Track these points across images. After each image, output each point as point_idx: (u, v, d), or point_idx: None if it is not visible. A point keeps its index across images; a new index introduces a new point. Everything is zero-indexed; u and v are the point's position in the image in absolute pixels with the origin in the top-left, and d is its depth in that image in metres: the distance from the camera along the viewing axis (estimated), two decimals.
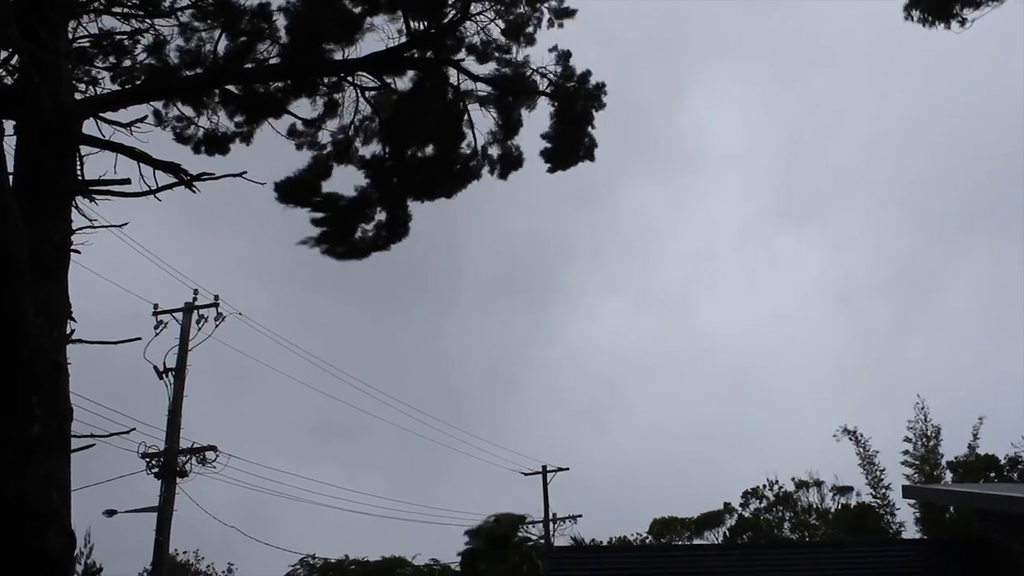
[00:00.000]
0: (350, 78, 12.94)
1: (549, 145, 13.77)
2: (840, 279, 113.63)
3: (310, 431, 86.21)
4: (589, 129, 13.69)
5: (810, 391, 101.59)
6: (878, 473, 49.45)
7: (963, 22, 13.71)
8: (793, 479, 56.04)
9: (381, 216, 13.55)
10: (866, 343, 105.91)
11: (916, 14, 13.81)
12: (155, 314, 27.72)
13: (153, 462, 26.14)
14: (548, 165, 13.90)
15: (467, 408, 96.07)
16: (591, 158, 13.83)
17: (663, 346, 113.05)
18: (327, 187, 13.41)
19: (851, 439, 49.55)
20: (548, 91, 13.44)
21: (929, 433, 46.06)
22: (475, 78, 13.24)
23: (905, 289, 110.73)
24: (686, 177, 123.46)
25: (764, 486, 57.85)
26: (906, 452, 46.19)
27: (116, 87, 12.06)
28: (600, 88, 13.47)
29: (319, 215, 13.24)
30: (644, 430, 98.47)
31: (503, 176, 13.92)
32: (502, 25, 13.15)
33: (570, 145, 13.72)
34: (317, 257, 12.85)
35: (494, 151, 13.81)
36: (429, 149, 13.59)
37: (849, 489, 52.59)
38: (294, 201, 13.09)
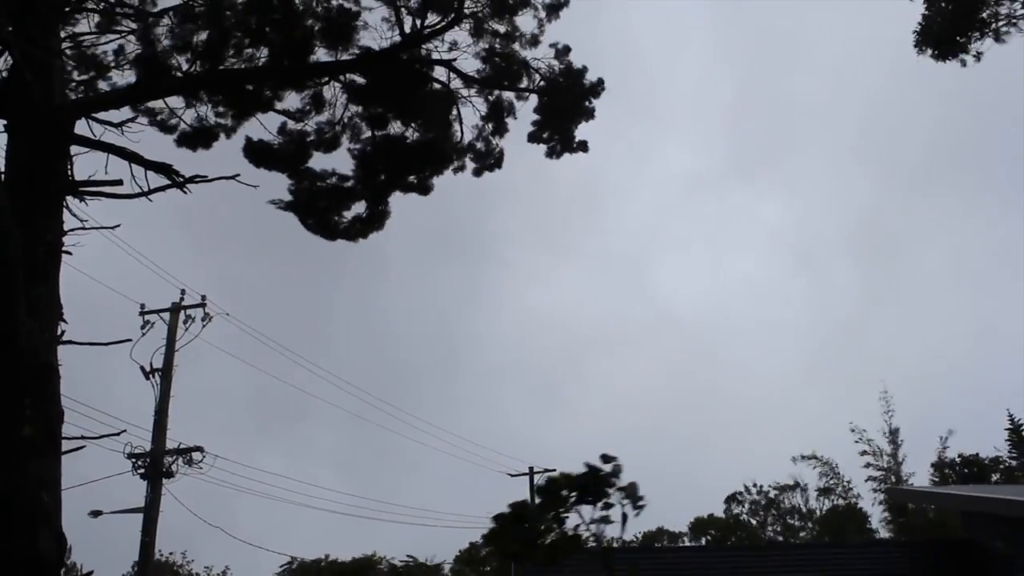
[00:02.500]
0: (341, 77, 12.93)
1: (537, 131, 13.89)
2: (804, 237, 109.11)
3: (249, 414, 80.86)
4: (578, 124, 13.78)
5: (781, 369, 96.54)
6: (844, 484, 50.01)
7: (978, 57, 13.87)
8: (776, 483, 56.19)
9: (360, 208, 13.65)
10: (834, 310, 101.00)
11: (928, 51, 13.99)
12: (142, 314, 27.58)
13: (139, 463, 25.98)
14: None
15: (410, 385, 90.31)
16: (584, 149, 13.95)
17: (619, 316, 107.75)
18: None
19: (813, 462, 50.20)
20: (537, 88, 13.48)
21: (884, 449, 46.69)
22: (466, 78, 13.26)
23: (871, 245, 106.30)
24: (633, 121, 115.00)
25: (745, 490, 58.03)
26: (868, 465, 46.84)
27: (108, 87, 12.04)
28: (597, 85, 13.52)
29: (296, 186, 13.34)
30: (606, 413, 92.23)
31: (477, 174, 14.03)
32: (496, 26, 13.19)
33: (561, 136, 13.81)
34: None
35: (480, 145, 13.92)
36: (417, 144, 13.61)
37: (830, 491, 52.80)
38: (266, 165, 13.10)
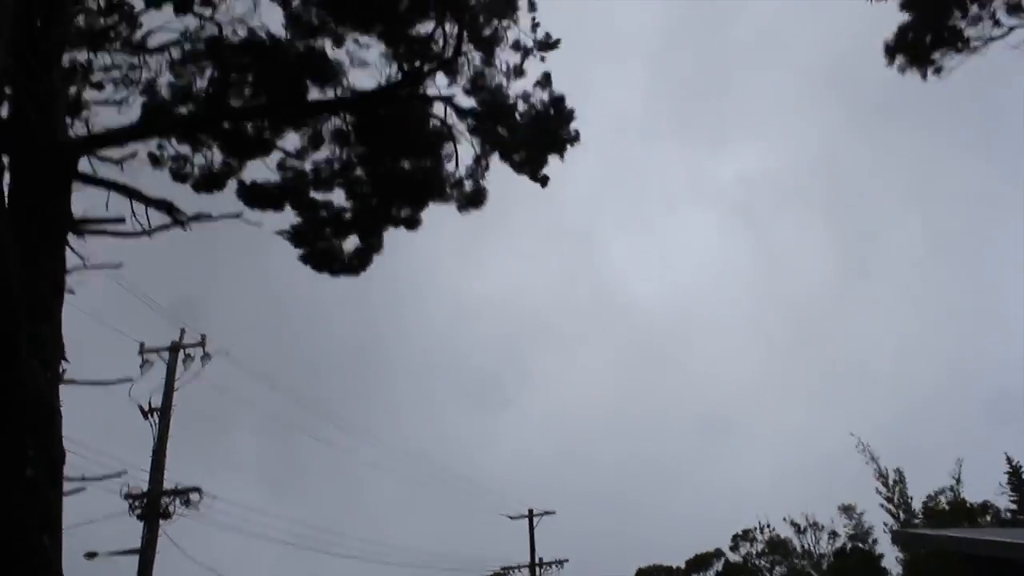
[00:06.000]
0: (340, 113, 12.93)
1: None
2: (756, 193, 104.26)
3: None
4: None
5: (747, 357, 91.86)
6: (866, 528, 49.40)
7: (939, 71, 13.81)
8: (786, 519, 55.35)
9: (356, 240, 13.64)
10: (798, 283, 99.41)
11: (899, 60, 13.84)
12: (141, 352, 27.39)
13: (136, 503, 25.73)
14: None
15: (332, 386, 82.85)
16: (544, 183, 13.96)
17: (561, 299, 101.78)
18: None
19: (846, 515, 49.58)
20: (524, 122, 13.50)
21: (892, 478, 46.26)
22: (462, 113, 13.30)
23: (832, 200, 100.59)
24: (565, 57, 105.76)
25: (755, 528, 57.25)
26: (886, 496, 46.34)
27: (110, 124, 12.00)
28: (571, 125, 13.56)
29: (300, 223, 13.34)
30: (556, 415, 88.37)
31: (462, 210, 14.02)
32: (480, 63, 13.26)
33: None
34: None
35: (468, 185, 13.92)
36: (412, 178, 13.62)
37: (849, 535, 52.21)
38: (261, 205, 13.02)
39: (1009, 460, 46.65)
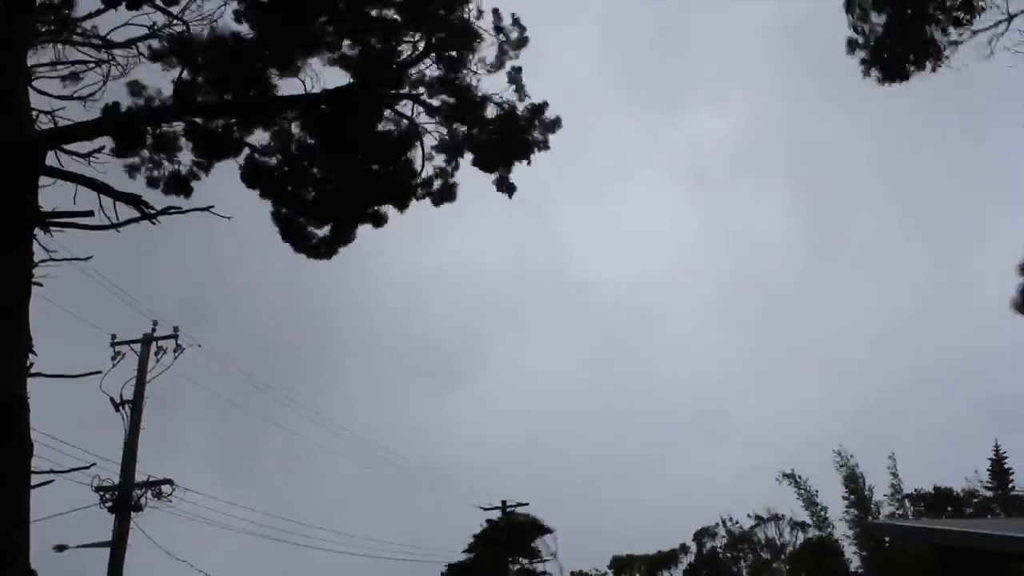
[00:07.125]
0: (306, 111, 12.93)
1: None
2: (717, 160, 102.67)
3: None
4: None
5: (711, 342, 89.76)
6: (822, 513, 49.76)
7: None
8: (749, 514, 55.66)
9: (327, 231, 13.70)
10: (760, 256, 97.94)
11: (874, 73, 14.00)
12: (112, 345, 27.29)
13: (107, 496, 25.64)
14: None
15: (280, 367, 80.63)
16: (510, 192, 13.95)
17: (518, 278, 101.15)
18: None
19: (792, 483, 49.99)
20: (496, 120, 13.46)
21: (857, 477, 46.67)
22: (430, 109, 13.29)
23: (794, 170, 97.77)
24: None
25: (718, 524, 57.51)
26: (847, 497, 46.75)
27: (76, 118, 11.95)
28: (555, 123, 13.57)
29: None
30: (515, 398, 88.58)
31: (436, 204, 14.04)
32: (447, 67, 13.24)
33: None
34: None
35: (438, 183, 13.95)
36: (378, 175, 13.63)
37: (807, 526, 52.54)
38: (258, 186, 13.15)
39: (996, 448, 46.97)
